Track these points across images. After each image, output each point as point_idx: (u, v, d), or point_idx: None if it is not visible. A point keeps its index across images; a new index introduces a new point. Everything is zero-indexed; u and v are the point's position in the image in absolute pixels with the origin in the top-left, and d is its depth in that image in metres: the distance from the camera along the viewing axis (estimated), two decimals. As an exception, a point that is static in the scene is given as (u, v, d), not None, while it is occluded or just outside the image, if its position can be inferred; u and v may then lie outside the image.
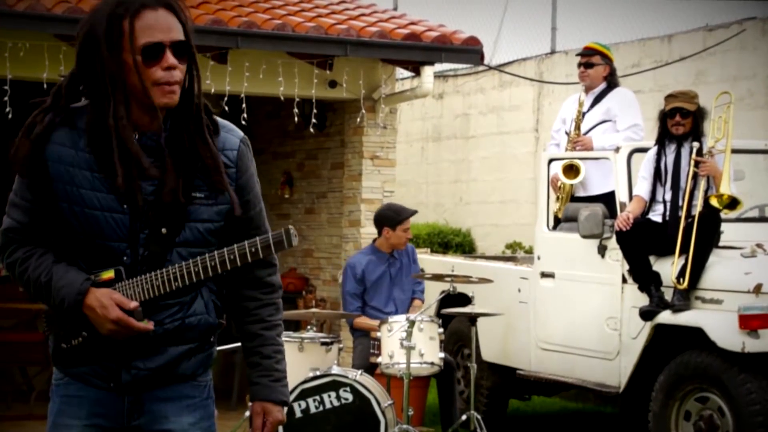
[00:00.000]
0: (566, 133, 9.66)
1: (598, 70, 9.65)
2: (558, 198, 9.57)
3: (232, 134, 3.47)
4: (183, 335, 3.42)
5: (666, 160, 8.38)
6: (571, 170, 9.25)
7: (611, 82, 9.69)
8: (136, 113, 3.33)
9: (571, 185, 9.39)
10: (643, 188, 8.45)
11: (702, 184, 8.15)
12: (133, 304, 3.30)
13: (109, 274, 3.33)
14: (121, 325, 3.29)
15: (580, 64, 9.76)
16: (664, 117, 8.44)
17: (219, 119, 3.47)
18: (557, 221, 9.46)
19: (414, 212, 9.26)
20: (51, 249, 3.42)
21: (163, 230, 3.30)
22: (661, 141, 8.45)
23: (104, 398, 3.43)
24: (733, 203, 8.08)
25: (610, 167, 8.97)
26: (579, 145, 9.39)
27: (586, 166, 9.21)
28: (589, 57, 9.69)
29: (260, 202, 3.53)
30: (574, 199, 9.43)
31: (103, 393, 3.43)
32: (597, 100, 9.60)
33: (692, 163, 8.22)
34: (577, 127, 9.49)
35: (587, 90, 9.63)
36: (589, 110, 9.57)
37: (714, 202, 8.01)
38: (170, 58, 3.28)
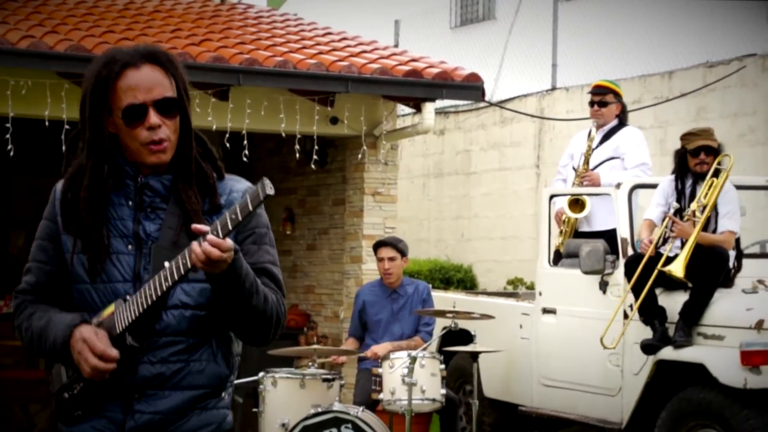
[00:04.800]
0: (573, 168, 9.67)
1: (612, 108, 9.63)
2: (561, 232, 9.58)
3: (239, 183, 3.45)
4: (188, 379, 3.37)
5: (683, 195, 8.35)
6: (577, 204, 9.26)
7: (622, 119, 9.69)
8: (137, 160, 3.36)
9: (575, 220, 9.40)
10: (655, 213, 8.42)
11: (668, 248, 8.13)
12: (114, 352, 3.26)
13: (110, 310, 3.33)
14: (90, 354, 3.26)
15: (592, 103, 9.72)
16: (684, 154, 8.38)
17: (230, 176, 3.46)
18: (559, 255, 9.46)
19: (385, 242, 9.31)
20: (57, 305, 3.44)
21: (166, 264, 3.26)
22: (680, 176, 8.40)
23: None
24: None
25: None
26: (587, 180, 9.39)
27: (591, 201, 9.22)
28: (603, 95, 9.66)
29: (265, 242, 3.45)
30: (578, 234, 9.43)
31: None
32: (607, 137, 9.59)
33: (666, 221, 8.19)
34: (586, 162, 9.49)
35: (598, 127, 9.63)
36: (598, 146, 9.56)
37: (667, 271, 8.01)
38: (152, 118, 3.27)
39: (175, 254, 3.22)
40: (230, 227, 3.08)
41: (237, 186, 3.43)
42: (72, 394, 3.39)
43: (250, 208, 3.04)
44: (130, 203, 3.37)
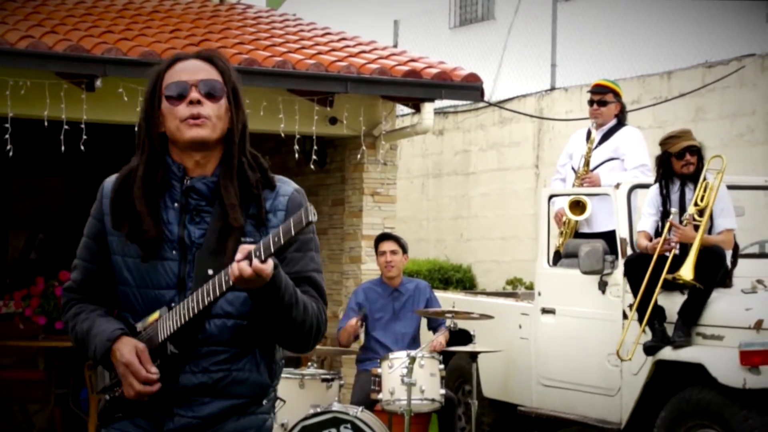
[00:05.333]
0: (573, 168, 9.65)
1: (611, 107, 9.60)
2: (561, 233, 9.56)
3: (287, 184, 3.51)
4: (230, 389, 3.38)
5: (670, 202, 8.35)
6: (578, 206, 9.24)
7: (621, 119, 9.66)
8: (183, 159, 3.41)
9: (576, 221, 9.38)
10: (648, 224, 8.41)
11: (671, 255, 8.11)
12: (153, 370, 3.30)
13: (154, 316, 3.35)
14: (130, 370, 3.30)
15: (592, 102, 9.69)
16: (668, 158, 8.37)
17: (278, 177, 3.52)
18: (559, 256, 9.45)
19: (387, 235, 9.31)
20: (104, 305, 3.47)
21: (210, 271, 3.29)
22: (665, 182, 8.39)
23: None
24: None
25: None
26: (587, 181, 9.37)
27: (591, 203, 9.20)
28: (602, 95, 9.63)
29: (311, 248, 3.47)
30: (578, 235, 9.42)
31: None
32: (606, 137, 9.56)
33: (667, 227, 8.16)
34: (587, 164, 9.46)
35: (597, 127, 9.60)
36: (597, 146, 9.53)
37: (673, 276, 7.99)
38: (193, 94, 3.36)
39: (218, 261, 3.27)
40: (272, 250, 3.12)
41: (284, 188, 3.48)
42: (114, 397, 3.42)
43: (293, 233, 3.08)
44: (176, 205, 3.40)
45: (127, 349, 3.31)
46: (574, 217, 9.28)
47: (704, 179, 8.22)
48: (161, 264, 3.37)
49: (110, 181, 3.49)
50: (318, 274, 3.48)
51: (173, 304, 3.32)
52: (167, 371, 3.33)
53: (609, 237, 8.89)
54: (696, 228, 8.07)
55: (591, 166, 9.46)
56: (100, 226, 3.46)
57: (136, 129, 3.48)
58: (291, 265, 3.36)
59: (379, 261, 9.23)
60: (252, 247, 3.14)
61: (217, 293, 3.21)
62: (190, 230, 3.38)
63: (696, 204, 8.17)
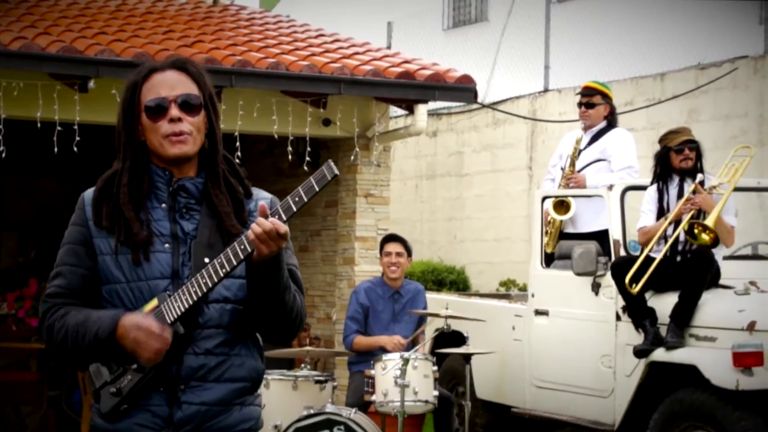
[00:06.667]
0: (561, 169, 9.67)
1: (599, 109, 9.61)
2: (547, 233, 9.58)
3: (263, 192, 3.61)
4: (232, 372, 3.47)
5: (668, 198, 8.38)
6: (562, 206, 9.27)
7: (611, 121, 9.67)
8: (177, 170, 3.50)
9: (560, 221, 9.40)
10: (648, 221, 8.43)
11: (689, 216, 8.14)
12: (169, 333, 3.34)
13: (153, 304, 3.40)
14: (148, 333, 3.32)
15: (581, 104, 9.71)
16: (666, 154, 8.41)
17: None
18: (547, 257, 9.46)
19: (395, 236, 9.21)
20: (89, 307, 3.49)
21: (206, 260, 3.38)
22: (662, 179, 8.42)
23: None
24: (713, 244, 8.05)
25: (601, 205, 8.98)
26: (572, 181, 9.39)
27: (577, 203, 9.22)
28: (590, 97, 9.64)
29: (289, 246, 3.50)
30: (563, 235, 9.43)
31: None
32: (594, 138, 9.58)
33: (691, 189, 8.20)
34: (572, 164, 9.49)
35: (586, 129, 9.62)
36: (585, 148, 9.55)
37: (695, 231, 7.99)
38: (173, 111, 3.44)
39: (212, 253, 3.37)
40: (294, 209, 3.22)
41: (261, 194, 3.60)
42: (119, 389, 3.45)
43: (316, 189, 3.18)
44: (164, 205, 3.50)
45: (135, 317, 3.36)
46: (558, 217, 9.31)
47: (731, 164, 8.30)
48: (153, 256, 3.45)
49: (89, 192, 3.56)
50: (297, 270, 3.56)
51: (168, 293, 3.39)
52: (173, 353, 3.39)
53: (594, 237, 8.92)
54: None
55: (578, 167, 9.49)
56: (84, 230, 3.52)
57: (115, 134, 3.54)
58: None
59: (383, 261, 9.12)
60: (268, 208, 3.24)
61: (234, 262, 3.30)
62: (182, 224, 3.48)
63: (720, 177, 8.24)
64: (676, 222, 8.22)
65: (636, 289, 8.06)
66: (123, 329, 3.35)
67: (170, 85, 3.48)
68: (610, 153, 9.45)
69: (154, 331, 3.31)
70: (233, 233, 3.42)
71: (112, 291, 3.48)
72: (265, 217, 3.22)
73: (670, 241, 8.22)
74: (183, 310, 3.35)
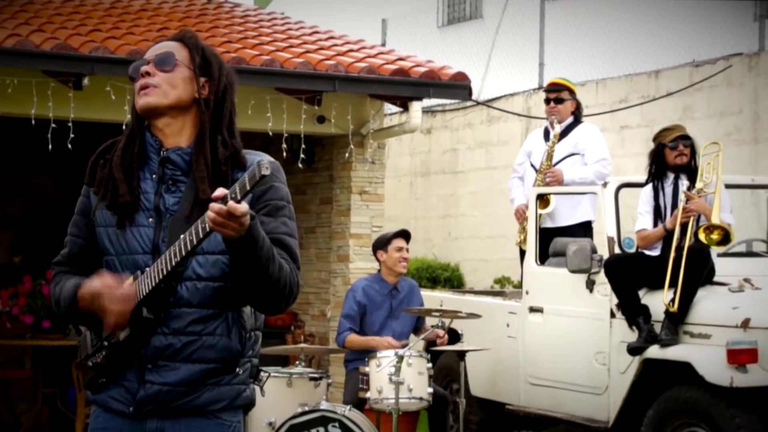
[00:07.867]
0: (532, 165, 9.87)
1: (567, 105, 9.94)
2: (523, 228, 9.70)
3: (255, 155, 3.56)
4: (199, 353, 3.43)
5: (664, 196, 8.40)
6: (541, 201, 9.45)
7: (577, 116, 9.94)
8: (156, 132, 3.55)
9: (539, 216, 9.51)
10: (646, 222, 8.44)
11: (690, 223, 8.16)
12: (126, 280, 3.39)
13: (129, 281, 3.42)
14: (108, 289, 3.36)
15: (548, 100, 9.99)
16: (661, 151, 8.44)
17: (251, 152, 3.57)
18: (522, 253, 9.57)
19: (402, 231, 9.17)
20: (86, 276, 3.53)
21: (182, 236, 3.35)
22: (657, 176, 8.44)
23: (127, 428, 3.48)
24: (724, 239, 8.06)
25: (578, 199, 9.28)
26: (549, 176, 9.55)
27: (555, 197, 9.39)
28: (558, 92, 9.95)
29: (283, 214, 3.50)
30: (542, 230, 9.51)
31: (126, 422, 3.47)
32: (564, 133, 9.87)
33: (682, 197, 8.23)
34: (549, 158, 9.66)
35: (552, 125, 9.85)
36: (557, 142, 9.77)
37: (702, 236, 8.02)
38: (145, 67, 3.51)
39: (189, 228, 3.32)
40: (248, 188, 3.13)
41: (251, 160, 3.53)
42: (96, 363, 3.50)
43: (268, 171, 3.08)
44: (154, 176, 3.52)
45: (93, 282, 3.42)
46: (539, 211, 9.44)
47: (706, 162, 8.32)
48: (137, 230, 3.49)
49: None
50: (290, 238, 3.49)
51: (146, 269, 3.41)
52: (143, 333, 3.41)
53: (572, 231, 9.08)
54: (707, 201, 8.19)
55: (552, 162, 9.66)
56: (87, 201, 3.62)
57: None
58: (262, 227, 3.37)
59: (393, 256, 8.97)
60: (227, 192, 3.17)
61: (194, 242, 3.26)
62: (165, 198, 3.49)
63: (702, 179, 8.26)
64: (682, 231, 8.20)
65: (674, 308, 8.00)
66: (83, 300, 3.44)
67: (155, 48, 3.57)
68: (583, 147, 9.72)
69: (112, 288, 3.36)
70: (204, 200, 3.36)
71: (109, 262, 3.54)
72: (221, 200, 3.16)
73: (674, 244, 8.18)
74: (146, 292, 3.36)
